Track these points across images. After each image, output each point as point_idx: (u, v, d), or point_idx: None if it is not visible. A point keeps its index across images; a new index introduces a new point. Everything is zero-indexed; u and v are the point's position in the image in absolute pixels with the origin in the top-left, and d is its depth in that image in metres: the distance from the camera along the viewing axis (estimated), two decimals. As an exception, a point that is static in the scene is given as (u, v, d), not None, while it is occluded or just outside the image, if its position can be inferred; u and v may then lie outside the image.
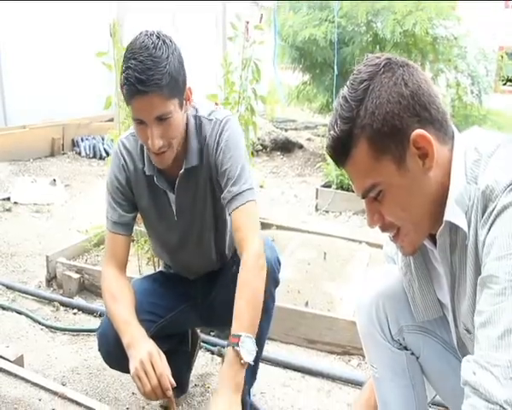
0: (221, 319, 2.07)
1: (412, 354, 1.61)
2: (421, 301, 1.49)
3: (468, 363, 1.11)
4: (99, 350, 2.05)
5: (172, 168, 1.92)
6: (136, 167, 1.99)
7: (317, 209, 5.52)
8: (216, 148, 1.91)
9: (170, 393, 1.73)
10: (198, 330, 2.58)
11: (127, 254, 2.07)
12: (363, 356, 2.77)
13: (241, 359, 1.69)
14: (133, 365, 1.73)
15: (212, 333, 2.89)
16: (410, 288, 1.49)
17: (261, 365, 2.59)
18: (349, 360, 2.80)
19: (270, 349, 2.72)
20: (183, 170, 1.93)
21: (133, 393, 2.44)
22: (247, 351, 1.71)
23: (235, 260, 2.00)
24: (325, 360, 2.79)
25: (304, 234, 4.17)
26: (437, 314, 1.50)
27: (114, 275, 1.98)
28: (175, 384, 1.75)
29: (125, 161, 2.00)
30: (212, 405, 1.70)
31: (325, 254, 3.71)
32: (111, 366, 2.09)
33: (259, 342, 2.02)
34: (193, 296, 2.19)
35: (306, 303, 3.11)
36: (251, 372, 2.06)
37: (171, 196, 2.00)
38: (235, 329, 1.74)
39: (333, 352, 2.85)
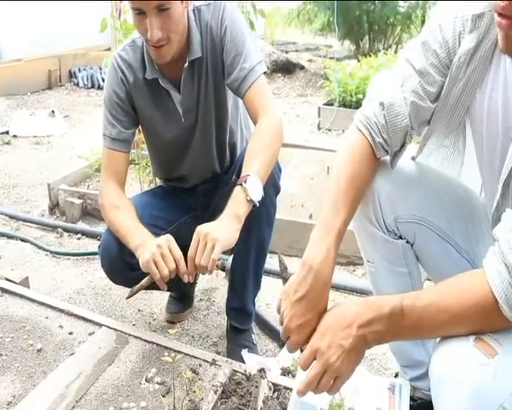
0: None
1: (407, 242, 1.59)
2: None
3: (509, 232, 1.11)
4: (102, 266, 2.04)
5: (176, 68, 1.90)
6: (137, 78, 1.96)
7: (319, 128, 5.45)
8: (220, 26, 1.89)
9: (187, 279, 1.72)
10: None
11: (126, 171, 2.04)
12: (368, 266, 2.78)
13: (246, 196, 1.69)
14: (149, 250, 1.71)
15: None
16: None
17: (266, 277, 2.60)
18: (354, 270, 2.81)
19: (275, 263, 2.71)
20: (187, 63, 1.90)
21: (139, 310, 2.45)
22: (254, 190, 1.71)
23: (235, 168, 1.98)
24: (330, 271, 2.78)
25: (307, 150, 4.12)
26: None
27: (115, 189, 1.96)
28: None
29: (123, 73, 1.95)
30: (207, 224, 1.71)
31: (328, 168, 3.66)
32: (114, 281, 2.08)
33: (262, 249, 2.02)
34: (193, 208, 2.17)
35: (310, 216, 3.09)
36: (254, 281, 2.07)
37: (176, 97, 1.97)
38: (244, 171, 1.75)
39: (337, 263, 2.83)
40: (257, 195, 1.72)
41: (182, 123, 2.01)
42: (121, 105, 1.97)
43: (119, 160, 1.99)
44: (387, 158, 1.53)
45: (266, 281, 2.62)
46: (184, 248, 1.72)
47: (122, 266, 1.93)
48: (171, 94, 1.97)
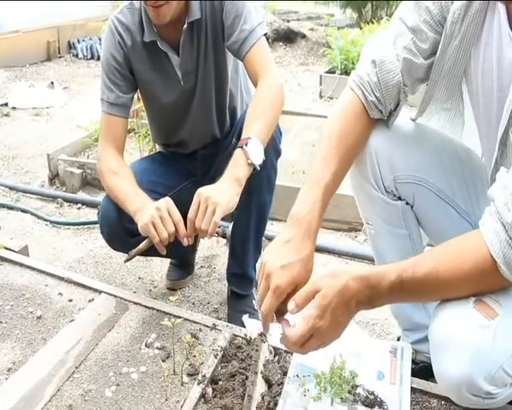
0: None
1: (407, 203, 1.56)
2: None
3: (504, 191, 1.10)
4: (101, 233, 2.02)
5: (174, 31, 1.87)
6: (135, 41, 1.92)
7: (320, 96, 5.40)
8: None
9: (186, 242, 1.70)
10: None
11: (125, 137, 2.02)
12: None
13: (247, 158, 1.67)
14: (148, 214, 1.69)
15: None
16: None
17: (266, 244, 2.58)
18: (355, 236, 2.79)
19: (276, 229, 2.69)
20: (186, 25, 1.86)
21: (139, 278, 2.44)
22: (255, 153, 1.69)
23: (235, 132, 1.95)
24: (331, 237, 2.77)
25: (308, 118, 4.08)
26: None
27: (113, 155, 1.94)
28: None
29: (121, 37, 1.92)
30: (208, 187, 1.69)
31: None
32: (114, 248, 2.07)
33: (263, 213, 1.99)
34: (193, 174, 2.14)
35: (311, 183, 3.06)
36: (255, 246, 2.05)
37: (175, 60, 1.94)
38: (244, 134, 1.73)
39: (339, 229, 2.83)
40: (258, 158, 1.70)
41: (181, 86, 1.98)
42: (119, 69, 1.93)
43: (117, 125, 1.97)
44: (384, 119, 1.50)
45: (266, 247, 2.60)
46: (184, 214, 1.70)
47: (121, 232, 1.91)
48: (169, 57, 1.93)
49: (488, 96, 1.31)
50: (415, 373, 1.59)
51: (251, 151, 1.68)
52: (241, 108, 2.14)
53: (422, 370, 1.76)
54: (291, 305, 1.19)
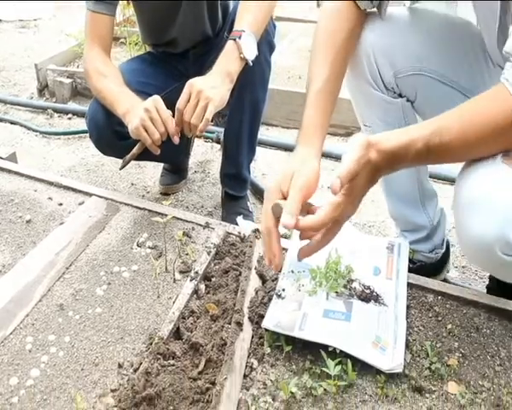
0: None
1: (408, 100, 1.49)
2: None
3: None
4: (90, 137, 1.96)
5: None
6: None
7: (318, 5, 5.20)
8: None
9: (177, 140, 1.65)
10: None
11: (111, 36, 1.93)
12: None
13: (240, 53, 1.61)
14: (137, 116, 1.62)
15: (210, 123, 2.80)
16: None
17: (261, 149, 2.53)
18: (353, 141, 2.72)
19: (271, 134, 2.63)
20: None
21: (132, 184, 2.39)
22: (247, 47, 1.62)
23: (227, 26, 1.86)
24: (328, 142, 2.70)
25: (305, 24, 3.94)
26: None
27: (100, 55, 1.85)
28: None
29: None
30: (199, 79, 1.63)
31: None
32: (104, 153, 2.00)
33: (256, 111, 1.92)
34: (185, 74, 2.04)
35: (307, 87, 2.97)
36: (249, 145, 1.99)
37: None
38: (236, 26, 1.65)
39: (336, 134, 2.76)
40: (251, 53, 1.62)
41: None
42: None
43: (103, 23, 1.87)
44: (375, 11, 1.41)
45: (262, 152, 2.55)
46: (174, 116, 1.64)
47: (111, 136, 1.86)
48: None
49: None
50: (411, 272, 1.56)
51: (244, 45, 1.60)
52: (234, 4, 2.03)
53: (420, 268, 1.74)
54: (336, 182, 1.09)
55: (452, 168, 2.18)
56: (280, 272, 1.47)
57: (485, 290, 1.70)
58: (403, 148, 1.09)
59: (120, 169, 1.83)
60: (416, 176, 1.64)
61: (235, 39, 1.60)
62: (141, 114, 1.62)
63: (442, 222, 1.76)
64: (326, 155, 2.53)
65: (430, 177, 1.99)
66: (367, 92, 1.49)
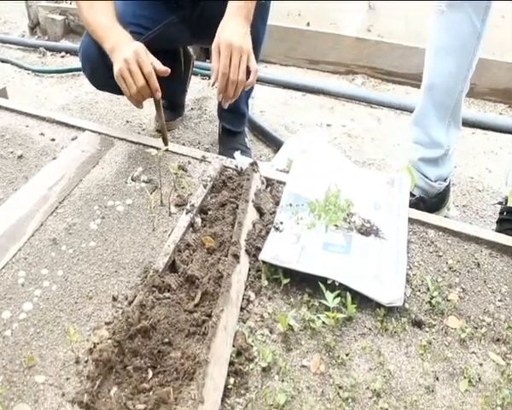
0: (212, 33, 1.87)
1: None
2: None
3: None
4: (83, 71, 1.89)
5: None
6: None
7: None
8: None
9: (159, 95, 1.57)
10: (191, 51, 2.38)
11: None
12: (368, 75, 2.63)
13: None
14: (117, 65, 1.55)
15: (207, 60, 2.72)
16: None
17: (259, 86, 2.46)
18: (353, 79, 2.65)
19: (269, 71, 2.56)
20: None
21: (127, 121, 2.34)
22: None
23: None
24: (328, 80, 2.63)
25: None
26: None
27: None
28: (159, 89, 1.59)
29: None
30: (219, 29, 1.55)
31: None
32: (98, 87, 1.94)
33: (256, 44, 1.84)
34: (181, 7, 1.97)
35: (308, 23, 2.88)
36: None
37: None
38: None
39: (336, 72, 2.69)
40: None
41: None
42: None
43: None
44: None
45: (260, 89, 2.48)
46: (168, 50, 1.56)
47: (103, 69, 1.77)
48: None
49: None
50: (410, 205, 1.52)
51: None
52: None
53: (420, 201, 1.71)
54: None
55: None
56: None
57: (486, 229, 1.68)
58: None
59: (166, 147, 1.70)
60: (465, 74, 1.61)
61: None
62: (120, 63, 1.54)
63: (453, 157, 1.74)
64: (325, 93, 2.47)
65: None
66: None
